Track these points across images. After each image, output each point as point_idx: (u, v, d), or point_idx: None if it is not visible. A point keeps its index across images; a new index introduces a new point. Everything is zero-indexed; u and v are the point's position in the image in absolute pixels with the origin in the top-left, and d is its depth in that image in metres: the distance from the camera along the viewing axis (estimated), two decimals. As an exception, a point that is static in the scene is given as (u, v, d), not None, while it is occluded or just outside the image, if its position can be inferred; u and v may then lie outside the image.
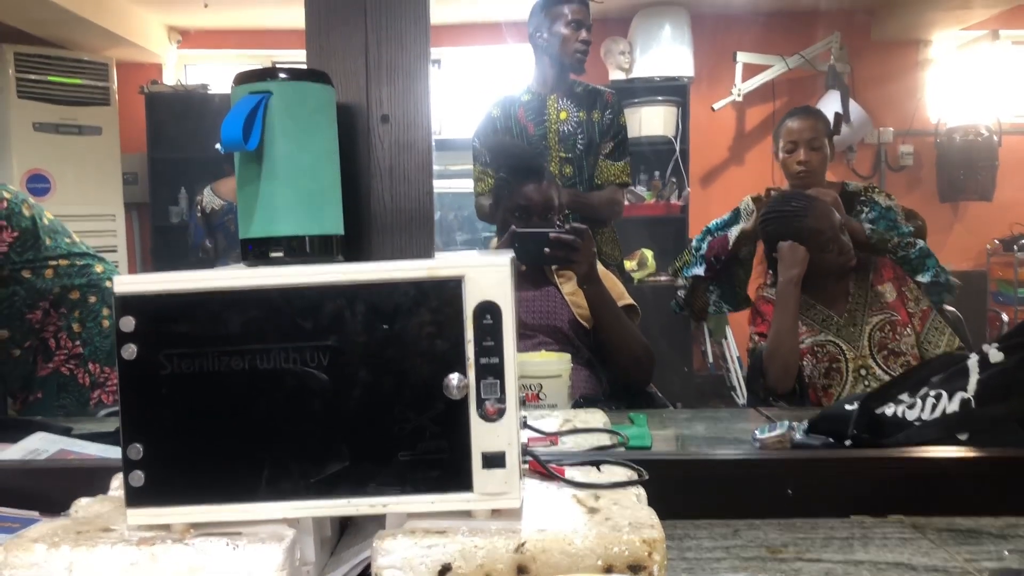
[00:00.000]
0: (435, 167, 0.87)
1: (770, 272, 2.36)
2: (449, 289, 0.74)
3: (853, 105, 5.46)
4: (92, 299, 2.11)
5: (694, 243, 2.66)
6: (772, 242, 2.26)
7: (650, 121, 5.48)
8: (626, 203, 4.11)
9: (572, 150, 3.04)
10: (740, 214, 2.61)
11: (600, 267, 2.06)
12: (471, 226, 5.40)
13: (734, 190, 4.67)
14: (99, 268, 2.15)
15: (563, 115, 3.04)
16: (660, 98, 5.49)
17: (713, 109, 5.57)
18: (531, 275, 2.17)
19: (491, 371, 0.75)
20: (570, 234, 1.91)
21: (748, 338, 2.32)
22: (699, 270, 2.59)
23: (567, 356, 1.70)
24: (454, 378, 0.74)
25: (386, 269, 0.74)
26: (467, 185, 3.17)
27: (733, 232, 2.57)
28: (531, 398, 1.58)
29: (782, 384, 2.11)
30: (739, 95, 5.55)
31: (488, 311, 0.74)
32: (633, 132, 5.13)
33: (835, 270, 2.21)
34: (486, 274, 0.74)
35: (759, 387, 2.15)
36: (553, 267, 2.17)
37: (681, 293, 2.65)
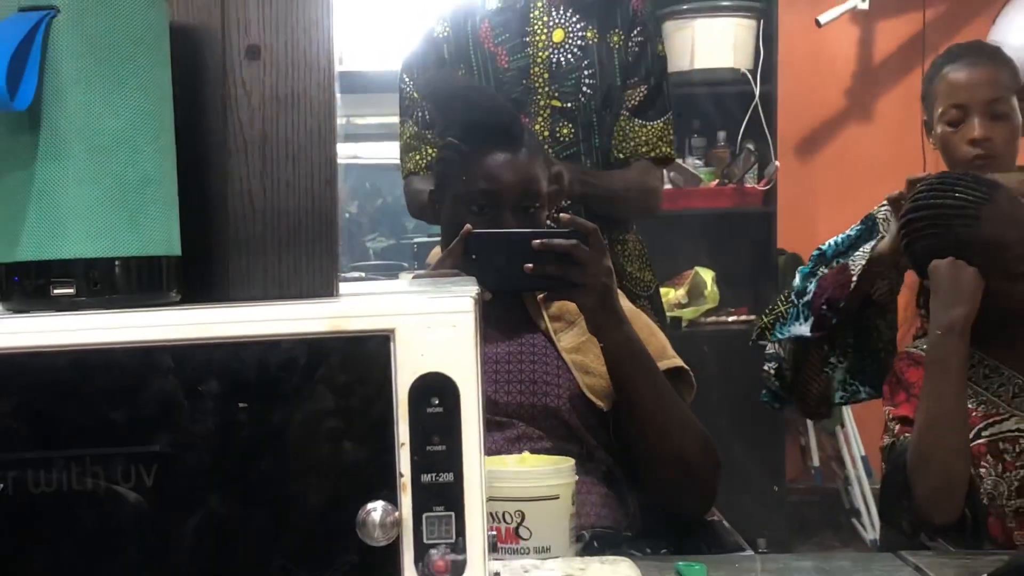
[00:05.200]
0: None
1: (921, 313, 1.77)
2: (368, 353, 0.56)
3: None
4: None
5: (797, 279, 1.92)
6: (922, 260, 1.65)
7: (710, 44, 4.00)
8: (667, 186, 3.54)
9: (573, 96, 2.17)
10: (876, 225, 1.89)
11: (625, 301, 1.50)
12: (392, 224, 3.79)
13: (858, 167, 3.41)
14: None
15: (558, 35, 2.19)
16: (727, 3, 4.05)
17: (819, 24, 4.06)
18: (501, 314, 1.49)
19: (441, 496, 0.55)
20: (566, 237, 1.34)
21: (883, 426, 1.72)
22: (803, 328, 1.83)
23: (568, 462, 1.19)
24: (376, 509, 0.55)
25: (256, 318, 0.57)
26: (384, 152, 2.52)
27: (860, 257, 1.86)
28: (506, 536, 1.08)
29: (942, 507, 1.54)
30: None
31: (437, 391, 0.56)
32: (680, 64, 3.70)
33: None
34: (435, 327, 0.56)
35: (902, 511, 1.61)
36: (539, 298, 1.54)
37: (772, 367, 1.91)
